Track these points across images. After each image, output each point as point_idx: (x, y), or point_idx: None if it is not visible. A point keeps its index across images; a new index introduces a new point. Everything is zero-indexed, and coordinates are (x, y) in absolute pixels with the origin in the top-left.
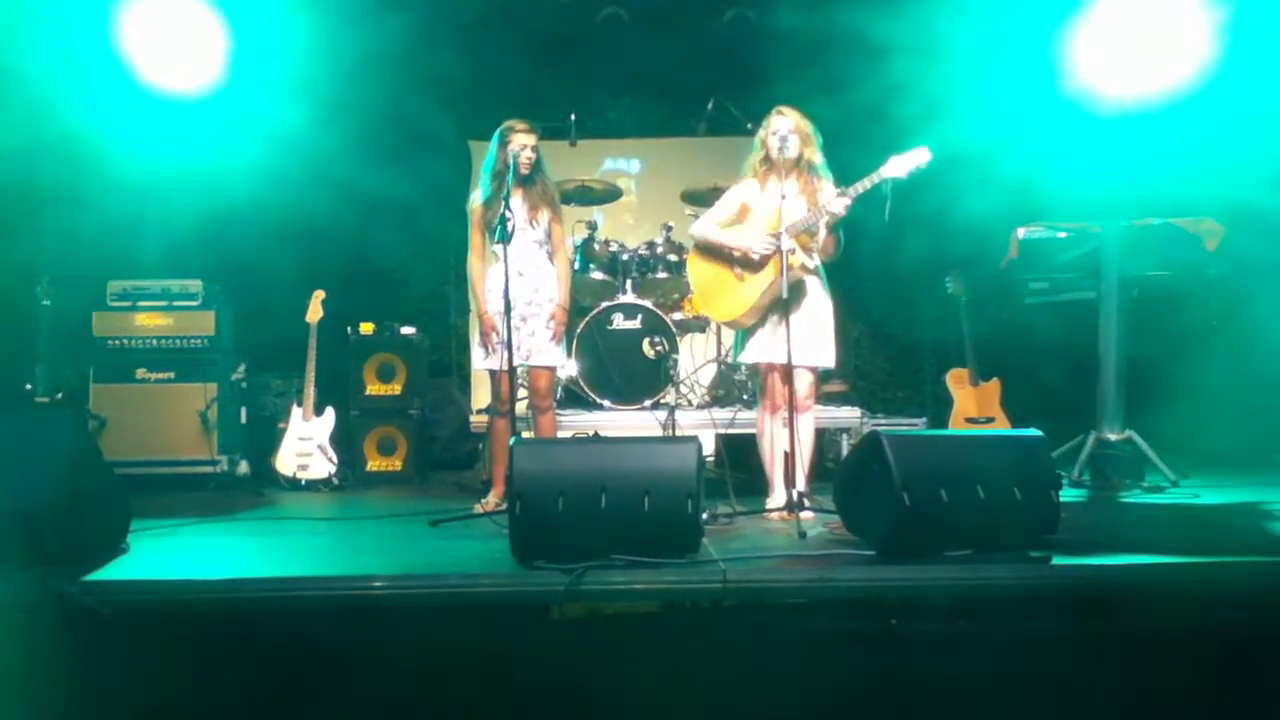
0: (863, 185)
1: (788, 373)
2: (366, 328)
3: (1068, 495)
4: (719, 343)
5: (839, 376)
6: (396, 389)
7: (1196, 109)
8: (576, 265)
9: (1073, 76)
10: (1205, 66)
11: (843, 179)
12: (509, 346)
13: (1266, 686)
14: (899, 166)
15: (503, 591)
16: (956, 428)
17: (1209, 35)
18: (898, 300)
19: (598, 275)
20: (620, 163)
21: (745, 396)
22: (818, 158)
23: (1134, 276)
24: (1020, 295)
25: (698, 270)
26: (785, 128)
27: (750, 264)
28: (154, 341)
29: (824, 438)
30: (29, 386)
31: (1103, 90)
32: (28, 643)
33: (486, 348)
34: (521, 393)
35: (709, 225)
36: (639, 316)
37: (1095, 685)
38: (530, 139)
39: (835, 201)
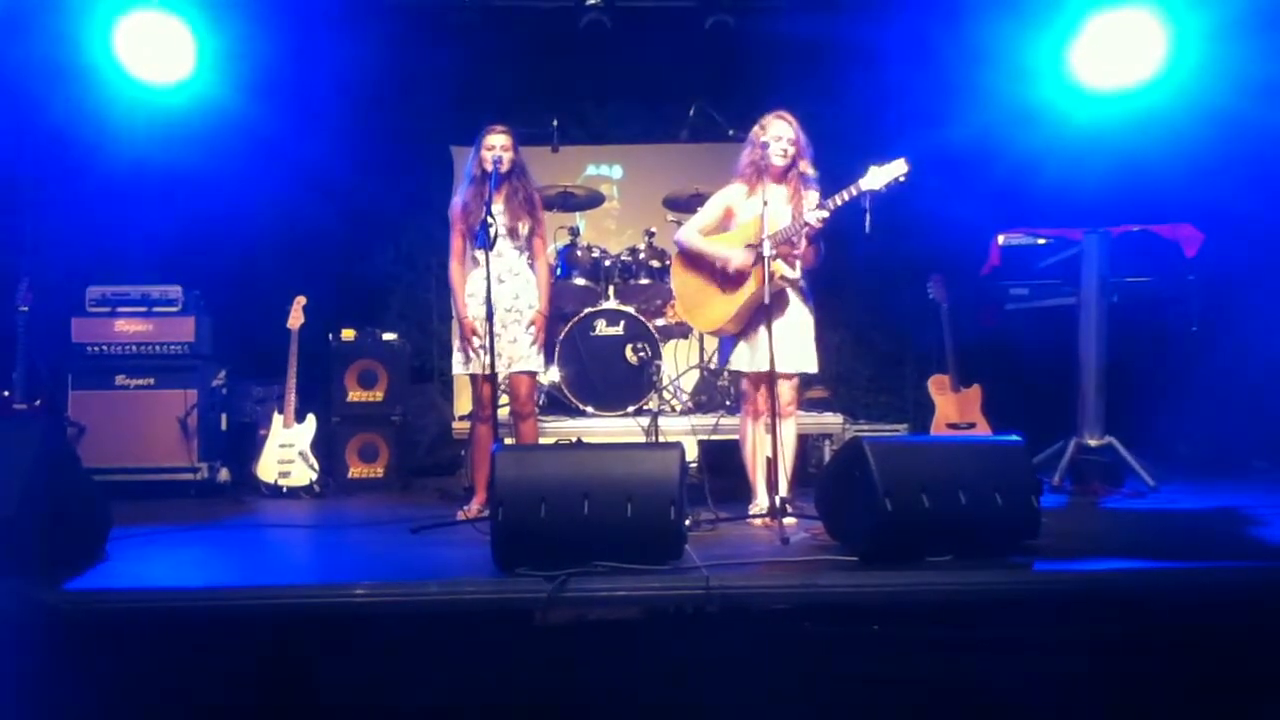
0: (840, 198)
1: (770, 379)
2: (348, 334)
3: (1048, 501)
4: (702, 349)
5: (821, 383)
6: (378, 395)
7: (1175, 116)
8: (559, 271)
9: (1054, 81)
10: (1182, 69)
11: (823, 182)
12: (490, 352)
13: (1245, 692)
14: (876, 179)
15: (485, 599)
16: (938, 433)
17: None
18: (879, 306)
19: (580, 281)
20: (602, 168)
21: (728, 403)
22: (810, 169)
23: (1114, 282)
24: (1001, 301)
25: (680, 278)
26: (787, 135)
27: (731, 273)
28: (133, 348)
29: (806, 444)
30: (6, 393)
31: (1083, 93)
32: (4, 652)
33: (467, 353)
34: (504, 399)
35: (691, 232)
36: (621, 323)
37: (1075, 691)
38: (502, 139)
39: (813, 214)
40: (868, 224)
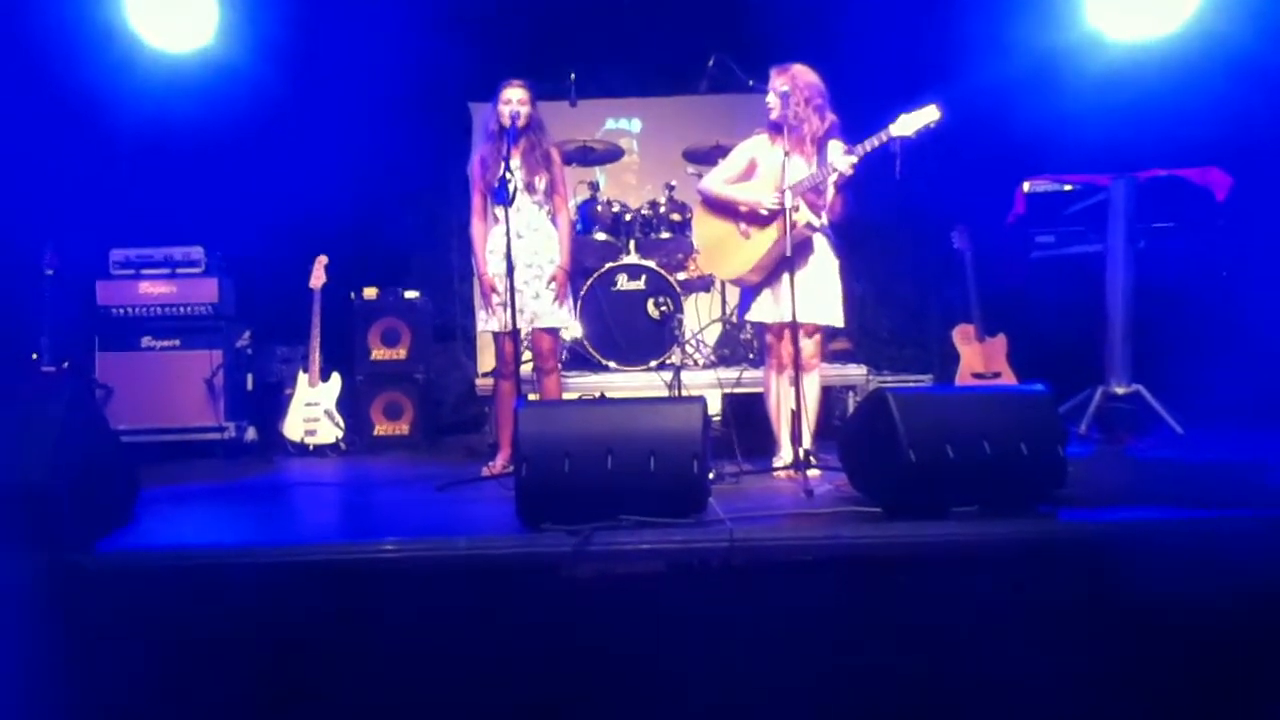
0: (870, 144)
1: (793, 331)
2: (370, 292)
3: (1075, 450)
4: (724, 302)
5: (844, 334)
6: (401, 353)
7: (1204, 59)
8: (579, 226)
9: (1079, 24)
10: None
11: (847, 135)
12: (512, 309)
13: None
14: (907, 125)
15: (511, 554)
16: (963, 384)
17: None
18: (903, 257)
19: (600, 236)
20: (621, 122)
21: (751, 355)
22: (821, 116)
23: (1141, 228)
24: (1026, 249)
25: (704, 227)
26: (781, 85)
27: (757, 220)
28: (158, 309)
29: (830, 396)
30: (34, 356)
31: (1109, 37)
32: (35, 614)
33: (489, 310)
34: (526, 355)
35: (716, 180)
36: (643, 277)
37: (1102, 641)
38: (519, 93)
39: (842, 160)
40: (898, 169)
